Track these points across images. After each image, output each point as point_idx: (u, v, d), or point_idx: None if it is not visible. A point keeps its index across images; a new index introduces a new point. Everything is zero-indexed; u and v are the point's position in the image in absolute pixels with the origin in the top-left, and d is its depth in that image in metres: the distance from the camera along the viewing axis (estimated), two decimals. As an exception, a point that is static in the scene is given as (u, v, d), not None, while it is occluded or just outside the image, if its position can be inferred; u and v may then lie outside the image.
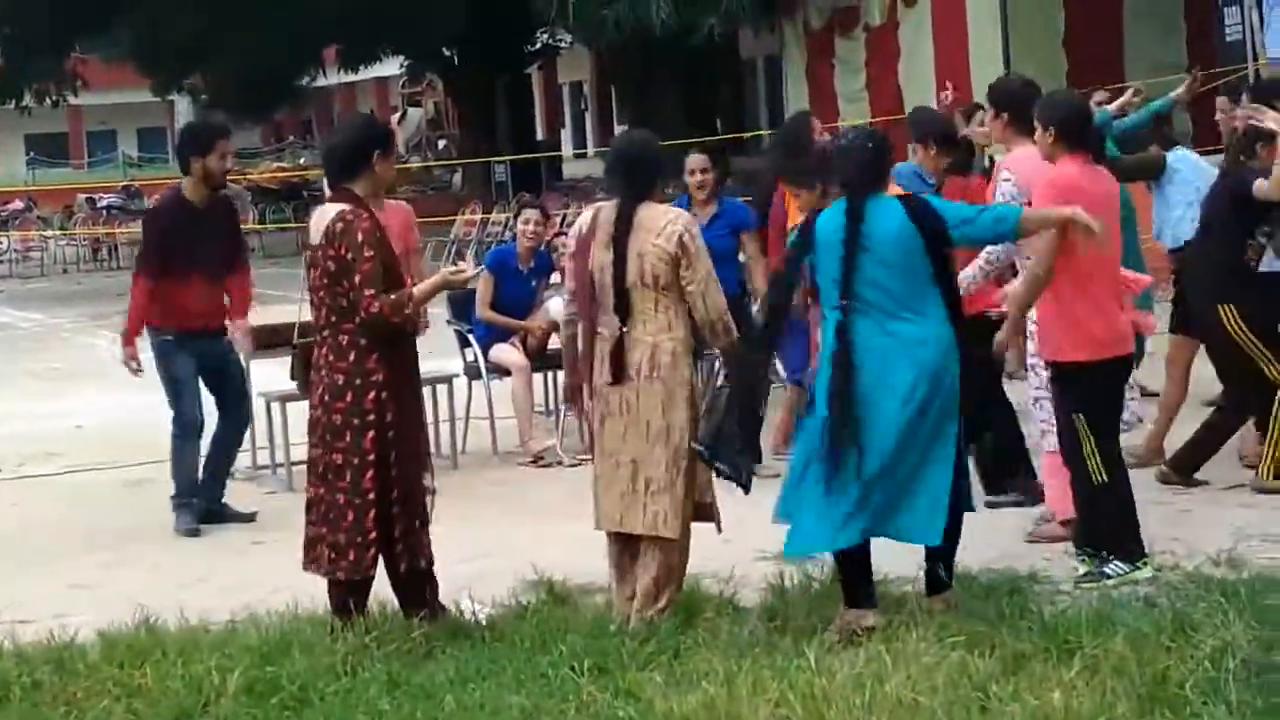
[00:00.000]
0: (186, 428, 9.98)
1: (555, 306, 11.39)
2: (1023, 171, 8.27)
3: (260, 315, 12.13)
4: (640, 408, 7.05)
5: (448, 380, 11.26)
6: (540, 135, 41.32)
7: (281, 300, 18.71)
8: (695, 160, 10.83)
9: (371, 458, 6.97)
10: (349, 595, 7.09)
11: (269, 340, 11.04)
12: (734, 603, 7.38)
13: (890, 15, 21.94)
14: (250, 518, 9.97)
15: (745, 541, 8.22)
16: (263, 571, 8.67)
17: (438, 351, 11.40)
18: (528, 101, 39.67)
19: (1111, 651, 6.22)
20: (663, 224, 7.07)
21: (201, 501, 9.90)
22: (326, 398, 7.03)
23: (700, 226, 10.10)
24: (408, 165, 37.68)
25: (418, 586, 7.19)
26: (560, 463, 11.00)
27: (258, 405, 10.98)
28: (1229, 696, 5.73)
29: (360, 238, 6.89)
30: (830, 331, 7.05)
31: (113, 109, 61.18)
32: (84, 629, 7.34)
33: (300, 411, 10.78)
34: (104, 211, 32.95)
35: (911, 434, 6.92)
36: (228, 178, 10.45)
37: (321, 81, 44.43)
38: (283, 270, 27.27)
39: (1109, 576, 7.50)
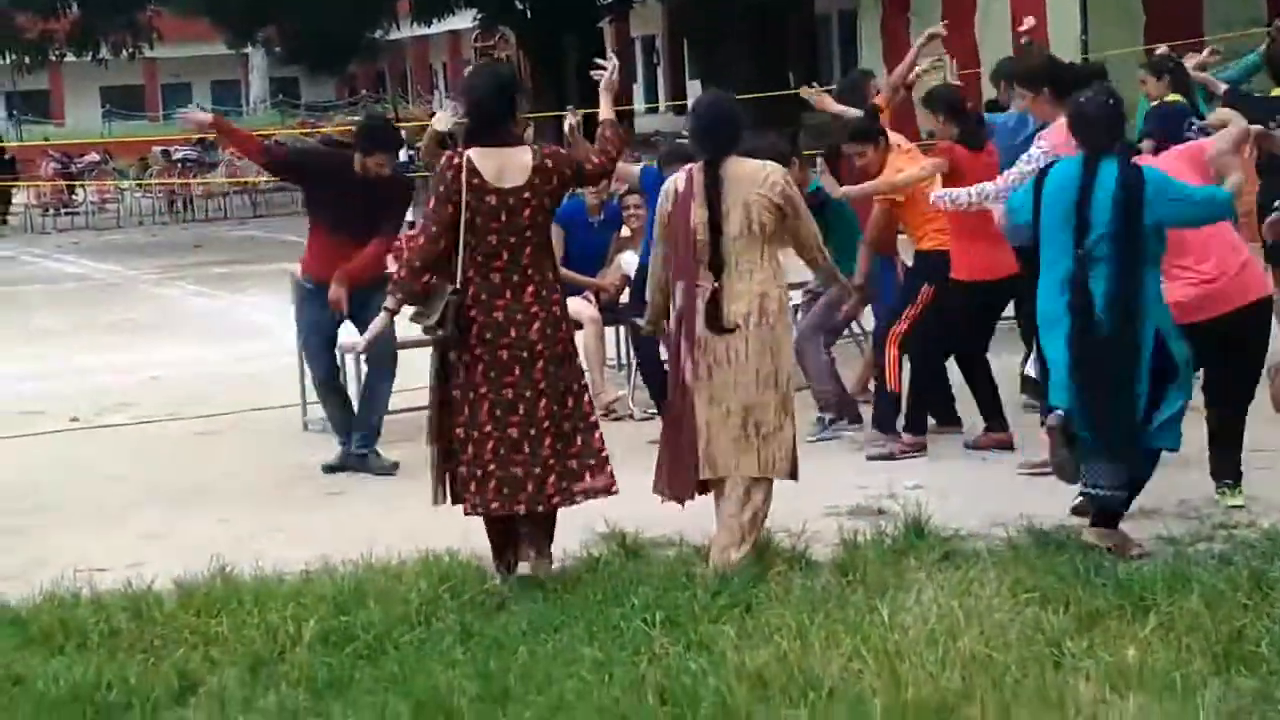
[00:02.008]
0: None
1: (628, 260, 11.41)
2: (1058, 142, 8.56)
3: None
4: (750, 355, 7.28)
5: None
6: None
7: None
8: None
9: (584, 381, 7.60)
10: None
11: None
12: (805, 557, 7.38)
13: (967, -32, 21.78)
14: (392, 469, 10.05)
15: (815, 497, 8.24)
16: (335, 523, 8.74)
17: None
18: (600, 55, 39.53)
19: (1186, 609, 6.20)
20: (762, 175, 7.37)
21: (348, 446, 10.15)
22: (548, 332, 7.29)
23: None
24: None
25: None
26: (631, 416, 11.01)
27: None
28: (1306, 655, 5.70)
29: (562, 152, 7.59)
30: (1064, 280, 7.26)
31: (187, 62, 61.39)
32: (159, 578, 7.41)
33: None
34: (179, 164, 33.07)
35: None
36: (300, 133, 10.63)
37: (394, 35, 44.58)
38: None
39: None
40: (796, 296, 9.76)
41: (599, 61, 7.98)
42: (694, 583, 6.90)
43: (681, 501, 7.52)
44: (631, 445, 10.09)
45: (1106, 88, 7.98)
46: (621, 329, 11.99)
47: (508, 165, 7.25)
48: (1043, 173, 7.65)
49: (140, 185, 32.67)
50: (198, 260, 24.01)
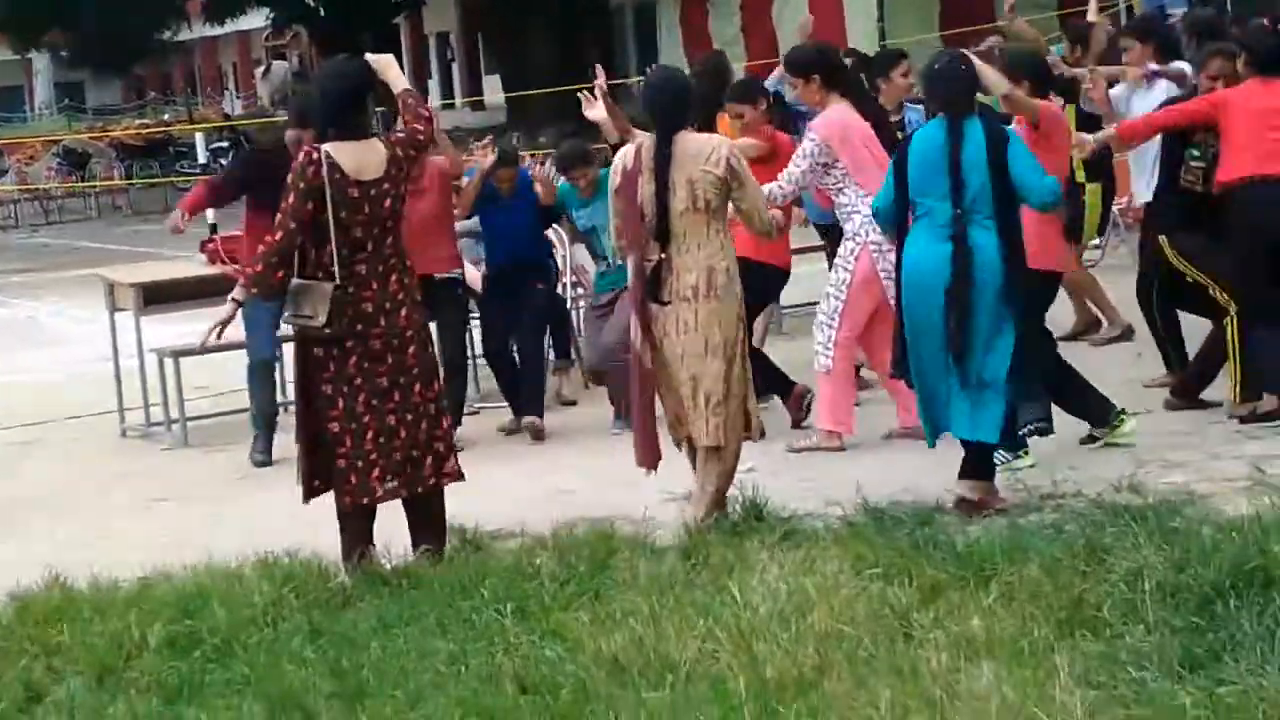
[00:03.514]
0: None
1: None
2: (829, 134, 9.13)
3: (143, 272, 12.05)
4: (698, 325, 7.49)
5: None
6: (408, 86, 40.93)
7: (154, 257, 18.58)
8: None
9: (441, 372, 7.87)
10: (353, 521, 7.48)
11: (157, 295, 10.96)
12: (648, 543, 7.41)
13: (764, -42, 21.97)
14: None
15: (652, 484, 8.27)
16: (164, 529, 8.64)
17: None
18: (396, 53, 39.33)
19: (1027, 578, 6.31)
20: (708, 151, 7.53)
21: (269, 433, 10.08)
22: (414, 316, 7.42)
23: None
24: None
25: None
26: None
27: (149, 361, 10.88)
28: (1146, 617, 5.83)
29: (398, 135, 7.48)
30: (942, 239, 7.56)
31: (-34, 67, 60.06)
32: (-10, 593, 7.26)
33: (192, 366, 10.82)
34: (-34, 171, 32.26)
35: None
36: (88, 137, 10.62)
37: (183, 36, 43.93)
38: (153, 226, 26.96)
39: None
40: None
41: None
42: (541, 573, 6.90)
43: (648, 470, 7.77)
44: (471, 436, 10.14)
45: (957, 52, 8.21)
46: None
47: (365, 158, 7.26)
48: (901, 146, 7.90)
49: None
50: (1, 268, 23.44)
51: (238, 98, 56.46)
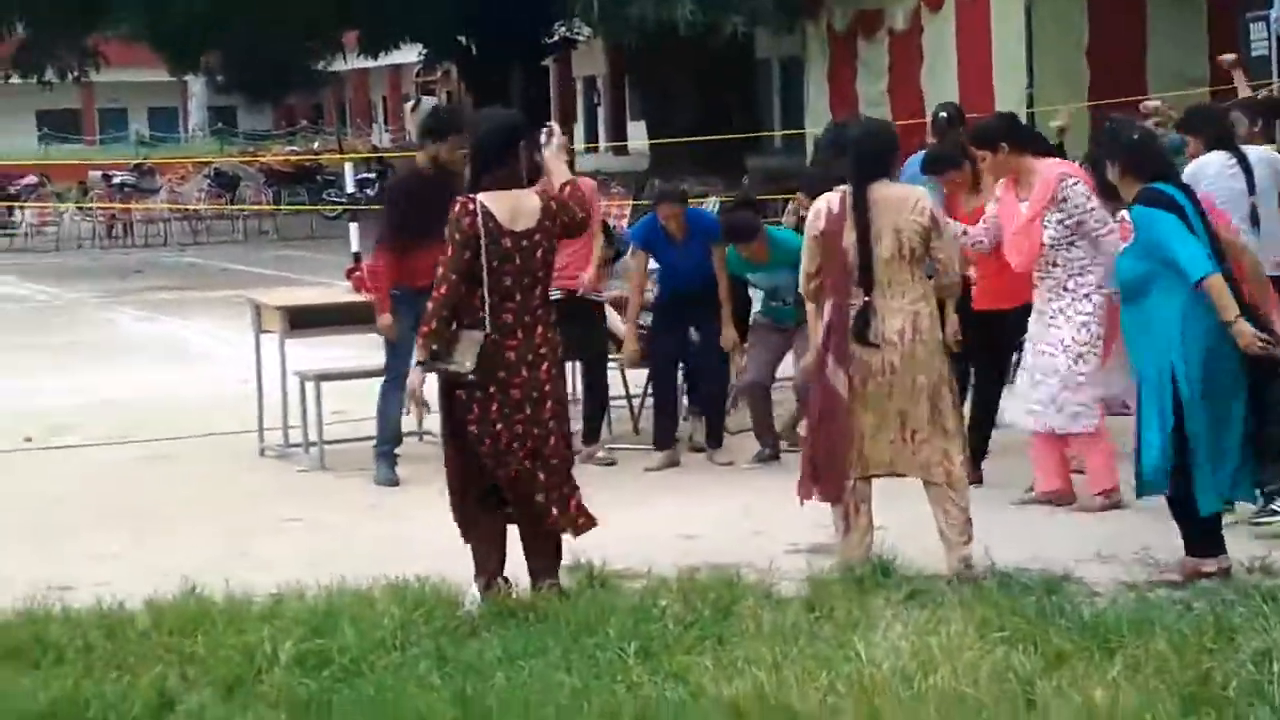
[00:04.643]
0: (398, 378, 10.11)
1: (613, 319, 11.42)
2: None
3: (289, 296, 12.27)
4: (902, 368, 7.73)
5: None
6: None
7: (297, 282, 18.86)
8: (666, 210, 10.86)
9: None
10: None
11: (303, 320, 11.15)
12: (772, 593, 7.46)
13: (914, 20, 21.96)
14: (390, 483, 10.33)
15: (776, 535, 8.34)
16: (298, 548, 8.77)
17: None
18: (544, 93, 39.72)
19: (1153, 651, 6.29)
20: (912, 200, 7.83)
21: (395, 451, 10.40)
22: (554, 371, 7.48)
23: (679, 244, 10.72)
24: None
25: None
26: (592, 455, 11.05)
27: (292, 384, 11.08)
28: (1273, 699, 5.80)
29: (564, 197, 7.53)
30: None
31: (124, 86, 61.13)
32: (129, 599, 7.41)
33: (338, 391, 11.00)
34: (118, 189, 32.92)
35: None
36: (239, 161, 10.81)
37: (336, 66, 44.57)
38: (298, 252, 27.43)
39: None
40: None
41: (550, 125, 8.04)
42: (666, 615, 6.97)
43: (834, 502, 7.90)
44: (592, 482, 10.20)
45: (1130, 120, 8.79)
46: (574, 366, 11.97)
47: (519, 208, 7.37)
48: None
49: (80, 208, 32.48)
50: (140, 285, 23.90)
51: (385, 130, 57.25)
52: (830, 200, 7.89)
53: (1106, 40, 20.25)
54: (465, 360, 7.32)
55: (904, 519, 8.81)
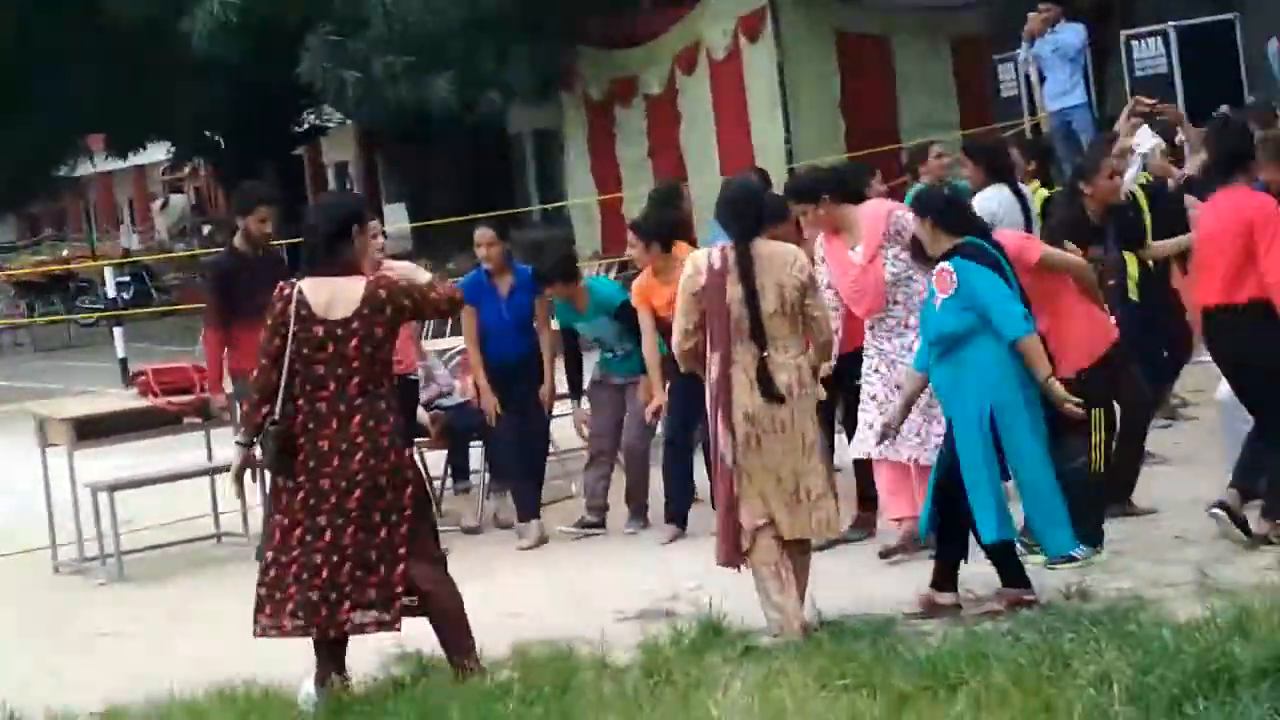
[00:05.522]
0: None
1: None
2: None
3: (72, 406, 11.97)
4: (795, 424, 7.74)
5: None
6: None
7: (62, 394, 18.37)
8: (481, 234, 10.78)
9: (408, 513, 7.28)
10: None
11: (90, 430, 10.90)
12: (608, 663, 7.42)
13: (669, 84, 22.11)
14: None
15: (601, 604, 8.29)
16: (113, 664, 8.56)
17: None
18: (299, 183, 39.40)
19: (993, 685, 6.37)
20: (792, 257, 7.88)
21: None
22: (371, 461, 7.22)
23: (503, 297, 10.48)
24: (172, 254, 37.22)
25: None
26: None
27: (83, 496, 10.80)
28: (1116, 720, 5.92)
29: (400, 283, 7.54)
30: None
31: None
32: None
33: (127, 501, 10.74)
34: None
35: None
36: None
37: (80, 171, 43.72)
38: (57, 362, 26.77)
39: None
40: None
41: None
42: (509, 694, 6.89)
43: (729, 566, 7.87)
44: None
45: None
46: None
47: (338, 296, 7.24)
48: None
49: None
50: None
51: (134, 232, 56.27)
52: (709, 256, 7.90)
53: (859, 92, 20.56)
54: (266, 451, 7.26)
55: (725, 579, 8.88)
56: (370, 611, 7.29)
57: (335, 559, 7.20)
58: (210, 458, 11.09)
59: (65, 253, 42.46)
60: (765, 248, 7.85)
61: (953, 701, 6.31)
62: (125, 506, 10.92)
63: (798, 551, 7.85)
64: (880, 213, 9.20)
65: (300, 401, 7.22)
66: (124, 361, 19.46)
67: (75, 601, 10.11)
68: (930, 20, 21.24)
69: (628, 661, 7.44)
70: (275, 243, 11.19)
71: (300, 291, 7.24)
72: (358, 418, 7.25)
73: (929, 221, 8.10)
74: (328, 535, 7.20)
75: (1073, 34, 16.36)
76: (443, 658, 7.68)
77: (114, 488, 10.71)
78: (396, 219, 39.25)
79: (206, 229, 44.58)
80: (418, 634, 7.74)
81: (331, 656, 7.33)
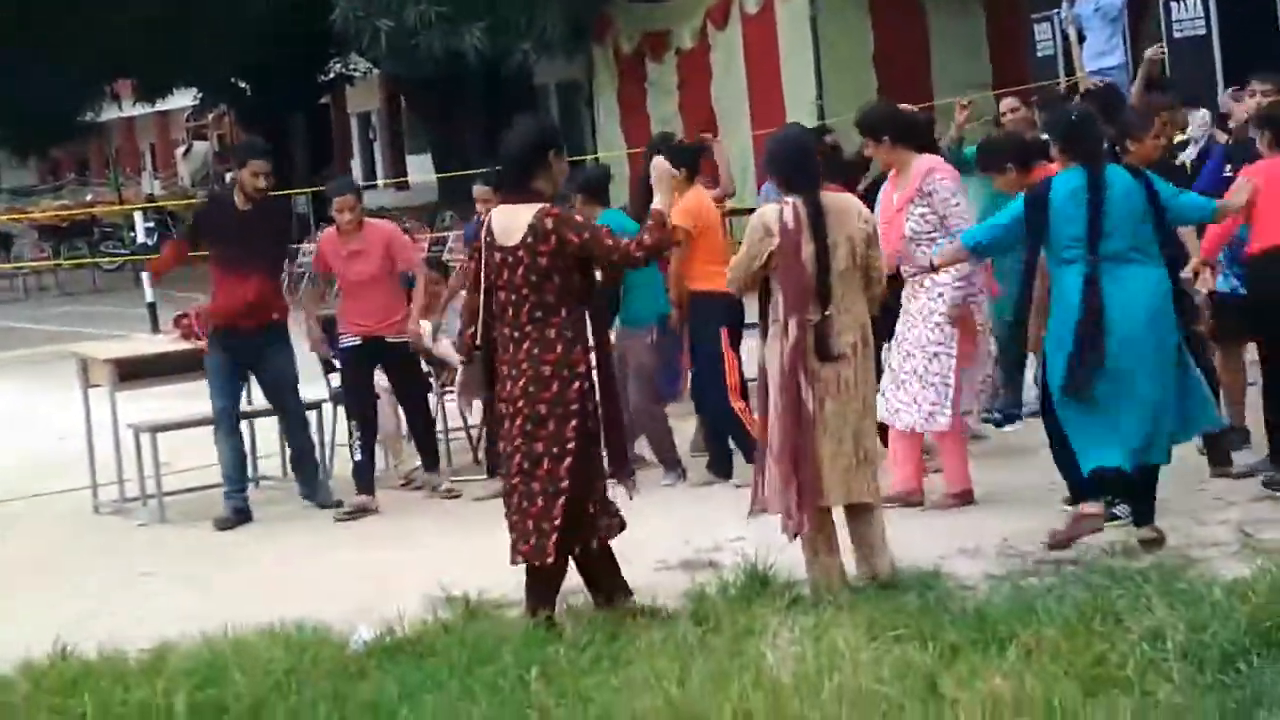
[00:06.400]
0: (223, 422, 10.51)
1: (425, 329, 11.32)
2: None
3: (115, 348, 11.99)
4: (857, 383, 7.61)
5: (316, 406, 11.15)
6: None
7: (91, 337, 18.40)
8: (479, 190, 11.06)
9: (571, 446, 7.26)
10: (538, 582, 7.41)
11: (132, 371, 10.94)
12: (655, 611, 7.46)
13: (701, 38, 22.14)
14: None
15: (642, 557, 8.30)
16: (160, 602, 8.61)
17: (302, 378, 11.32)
18: (325, 133, 39.37)
19: (1045, 639, 6.41)
20: (856, 208, 7.79)
21: (241, 496, 10.44)
22: (531, 389, 7.26)
23: None
24: (196, 200, 37.20)
25: (602, 566, 7.56)
26: (435, 486, 10.97)
27: (125, 437, 10.84)
28: (1171, 676, 5.94)
29: (577, 219, 7.46)
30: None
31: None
32: (-3, 662, 7.22)
33: (166, 442, 10.77)
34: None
35: None
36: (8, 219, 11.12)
37: (105, 116, 43.69)
38: (84, 307, 26.78)
39: None
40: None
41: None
42: (559, 638, 6.94)
43: (819, 530, 7.59)
44: (438, 514, 10.18)
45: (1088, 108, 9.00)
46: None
47: (514, 223, 7.31)
48: (1041, 191, 8.18)
49: None
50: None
51: (156, 178, 56.25)
52: (781, 214, 7.60)
53: (892, 49, 20.58)
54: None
55: (765, 529, 8.91)
56: (525, 544, 7.34)
57: (508, 488, 7.40)
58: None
59: (90, 197, 42.42)
60: (832, 201, 7.72)
61: (1004, 654, 6.33)
62: (164, 449, 10.96)
63: (866, 511, 7.72)
64: (920, 169, 9.23)
65: (495, 325, 7.38)
66: (152, 306, 19.45)
67: (116, 542, 10.15)
68: (965, -24, 21.22)
69: (675, 610, 7.47)
70: (274, 193, 11.36)
71: (491, 218, 7.41)
72: (526, 344, 7.31)
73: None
74: (516, 459, 7.35)
75: (1117, -7, 16.22)
76: (488, 600, 7.74)
77: (156, 429, 10.74)
78: (416, 170, 39.33)
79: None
80: (455, 575, 7.80)
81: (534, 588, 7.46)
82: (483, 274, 7.39)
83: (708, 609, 7.32)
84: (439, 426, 11.54)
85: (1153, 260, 8.08)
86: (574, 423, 7.28)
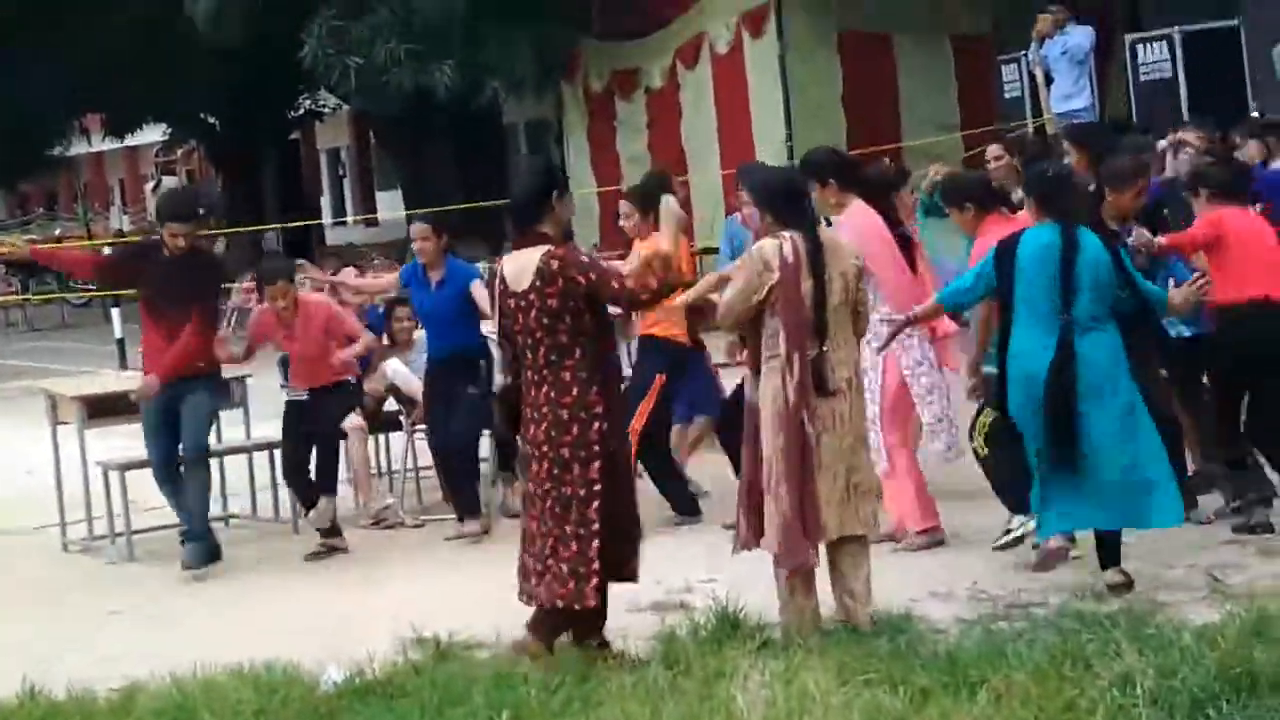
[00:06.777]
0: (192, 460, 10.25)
1: (394, 368, 11.37)
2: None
3: (84, 385, 11.96)
4: (852, 418, 7.65)
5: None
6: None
7: (59, 373, 18.35)
8: (416, 229, 10.90)
9: (598, 488, 7.32)
10: (565, 624, 7.49)
11: (101, 409, 10.91)
12: (625, 654, 7.45)
13: (671, 77, 22.17)
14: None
15: (613, 598, 8.26)
16: (129, 641, 8.58)
17: (270, 415, 11.32)
18: (295, 169, 39.35)
19: (1015, 684, 6.42)
20: (846, 244, 7.90)
21: (206, 542, 10.08)
22: (553, 433, 7.33)
23: (431, 290, 10.58)
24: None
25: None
26: (402, 523, 10.97)
27: (94, 474, 10.81)
28: (1140, 721, 5.97)
29: (583, 260, 7.49)
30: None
31: None
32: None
33: (138, 479, 10.74)
34: None
35: None
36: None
37: (74, 150, 43.62)
38: (53, 342, 26.72)
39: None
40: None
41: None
42: (529, 681, 6.93)
43: (809, 566, 7.59)
44: (408, 552, 10.17)
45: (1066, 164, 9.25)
46: (383, 438, 11.98)
47: (523, 268, 7.37)
48: (1008, 245, 8.19)
49: None
50: None
51: (124, 213, 56.12)
52: (781, 249, 7.57)
53: (861, 89, 20.60)
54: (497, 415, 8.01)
55: (737, 571, 8.91)
56: (564, 588, 7.34)
57: (535, 531, 7.43)
58: (220, 439, 11.08)
59: (58, 231, 42.27)
60: (826, 237, 7.82)
61: (974, 699, 6.35)
62: (133, 487, 10.92)
63: (855, 547, 7.72)
64: (853, 212, 9.24)
65: (521, 370, 7.47)
66: (121, 342, 19.38)
67: (85, 580, 10.12)
68: (933, 19, 21.27)
69: (646, 652, 7.47)
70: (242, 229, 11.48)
71: (503, 265, 7.48)
72: (544, 388, 7.38)
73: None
74: (529, 506, 7.47)
75: (1083, 36, 16.33)
76: (459, 641, 7.73)
77: (125, 467, 10.71)
78: (387, 206, 39.30)
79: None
80: (422, 614, 7.79)
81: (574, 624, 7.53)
82: (500, 321, 7.51)
83: (678, 651, 7.31)
84: (409, 465, 11.56)
85: (1111, 324, 8.12)
86: (598, 464, 7.34)
